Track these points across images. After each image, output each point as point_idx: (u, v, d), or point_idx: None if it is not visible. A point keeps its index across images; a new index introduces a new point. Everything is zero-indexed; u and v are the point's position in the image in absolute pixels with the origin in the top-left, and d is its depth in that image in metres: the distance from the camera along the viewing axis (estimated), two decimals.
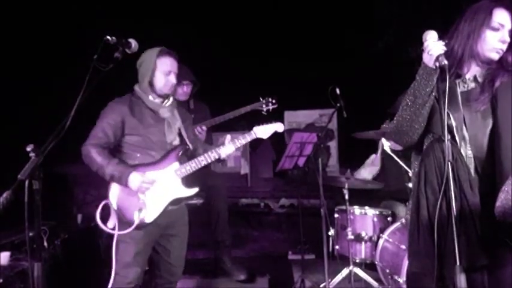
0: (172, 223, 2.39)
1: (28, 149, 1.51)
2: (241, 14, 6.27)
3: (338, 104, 3.20)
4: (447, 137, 1.44)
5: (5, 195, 1.41)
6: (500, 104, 1.55)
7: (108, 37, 1.83)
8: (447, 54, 1.50)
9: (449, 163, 1.42)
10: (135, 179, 2.18)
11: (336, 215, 3.47)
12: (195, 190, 2.37)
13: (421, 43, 1.55)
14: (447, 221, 1.44)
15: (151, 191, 2.27)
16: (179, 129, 2.42)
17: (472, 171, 1.56)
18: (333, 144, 7.63)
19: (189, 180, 2.38)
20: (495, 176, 1.50)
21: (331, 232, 3.37)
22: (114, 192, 2.26)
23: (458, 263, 1.34)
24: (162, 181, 2.31)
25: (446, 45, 1.51)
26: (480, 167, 1.57)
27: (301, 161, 3.56)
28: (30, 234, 1.50)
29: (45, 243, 3.14)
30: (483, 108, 1.58)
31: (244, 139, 2.47)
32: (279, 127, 2.57)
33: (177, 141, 2.41)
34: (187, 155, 2.43)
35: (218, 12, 6.27)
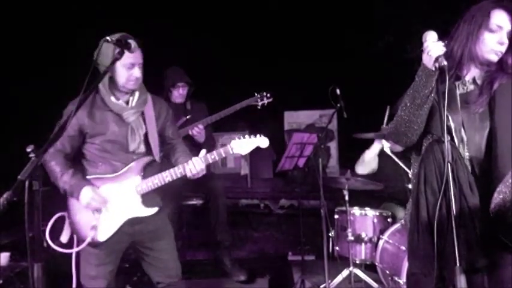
0: (146, 228, 2.18)
1: (28, 149, 1.50)
2: (241, 14, 6.26)
3: (338, 105, 3.20)
4: (447, 138, 1.44)
5: (5, 195, 1.41)
6: (498, 107, 1.55)
7: (108, 38, 1.83)
8: (447, 56, 1.50)
9: (449, 164, 1.42)
10: (85, 194, 2.00)
11: (336, 216, 3.46)
12: (155, 210, 2.14)
13: (421, 43, 1.55)
14: (447, 222, 1.44)
15: (107, 207, 2.08)
16: (145, 136, 2.16)
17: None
18: (333, 145, 7.62)
19: (151, 197, 2.15)
20: (492, 178, 1.51)
21: (331, 233, 3.37)
22: (72, 204, 2.10)
23: (458, 264, 1.34)
24: (120, 197, 2.10)
25: (445, 46, 1.51)
26: (477, 169, 1.58)
27: (301, 162, 3.56)
28: (30, 234, 1.50)
29: (45, 244, 3.14)
30: (481, 111, 1.59)
31: (219, 155, 2.13)
32: (262, 142, 2.19)
33: (141, 150, 2.16)
34: (153, 168, 2.17)
35: (218, 12, 6.27)
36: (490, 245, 1.48)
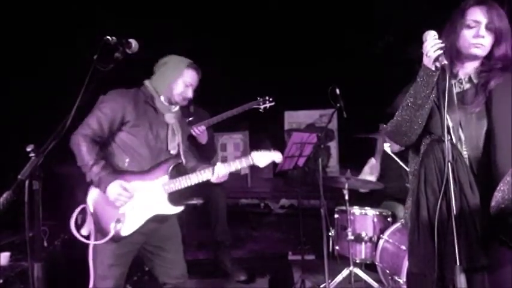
0: (158, 227, 2.24)
1: (28, 149, 1.51)
2: (241, 13, 6.26)
3: (338, 105, 3.20)
4: (447, 137, 1.44)
5: (5, 195, 1.41)
6: (495, 106, 1.57)
7: (108, 37, 1.83)
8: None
9: (449, 164, 1.42)
10: (114, 188, 2.03)
11: (336, 216, 3.47)
12: (180, 209, 2.22)
13: (421, 43, 1.55)
14: (447, 221, 1.44)
15: (132, 203, 2.12)
16: (179, 139, 2.33)
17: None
18: (333, 145, 7.62)
19: (177, 196, 2.23)
20: (491, 176, 1.51)
21: (331, 232, 3.37)
22: (93, 196, 2.11)
23: (458, 263, 1.34)
24: (146, 194, 2.15)
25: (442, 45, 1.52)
26: (476, 168, 1.58)
27: (301, 162, 3.56)
28: (30, 234, 1.50)
29: (45, 243, 3.14)
30: (478, 110, 1.60)
31: (241, 163, 2.27)
32: (277, 157, 2.34)
33: (175, 151, 2.29)
34: (179, 170, 2.27)
35: (218, 12, 6.26)
36: (491, 244, 1.48)
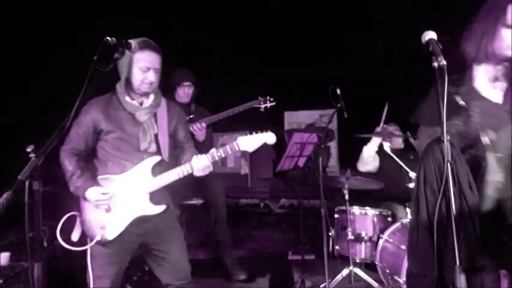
0: (155, 228, 2.20)
1: (28, 149, 1.51)
2: (241, 13, 6.26)
3: (338, 105, 3.20)
4: (446, 137, 1.44)
5: (5, 195, 1.41)
6: None
7: (108, 38, 1.83)
8: (462, 57, 1.47)
9: (448, 164, 1.41)
10: (92, 195, 2.05)
11: (336, 215, 3.47)
12: (163, 208, 2.15)
13: (421, 43, 1.54)
14: (447, 221, 1.44)
15: (115, 207, 2.11)
16: (155, 136, 2.20)
17: (502, 175, 1.52)
18: (333, 145, 7.62)
19: (159, 195, 2.17)
20: None
21: (331, 232, 3.37)
22: (83, 204, 2.13)
23: (458, 264, 1.34)
24: (127, 196, 2.12)
25: (459, 47, 1.48)
26: (505, 169, 1.52)
27: (301, 162, 3.56)
28: (30, 234, 1.50)
29: (45, 243, 3.14)
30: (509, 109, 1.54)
31: (225, 152, 2.10)
32: (269, 138, 2.11)
33: (152, 149, 2.18)
34: (161, 167, 2.18)
35: (218, 12, 6.27)
36: (490, 244, 1.48)
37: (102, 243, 2.09)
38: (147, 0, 5.87)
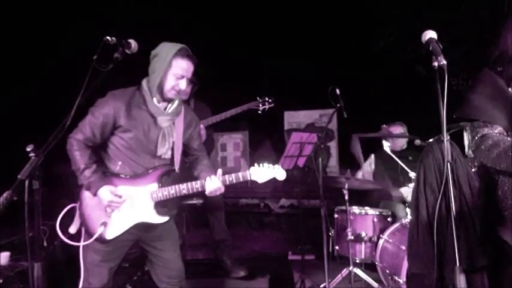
0: (153, 231, 2.20)
1: (28, 149, 1.51)
2: (242, 13, 6.27)
3: (338, 105, 3.20)
4: (446, 137, 1.44)
5: (5, 195, 1.42)
6: None
7: (108, 37, 1.83)
8: (500, 59, 1.46)
9: (448, 164, 1.41)
10: (105, 194, 2.01)
11: (336, 216, 3.47)
12: (165, 219, 2.15)
13: (421, 43, 1.54)
14: (446, 221, 1.44)
15: (119, 208, 2.09)
16: (173, 143, 2.19)
17: None
18: (333, 145, 7.61)
19: (164, 205, 2.16)
20: None
21: (331, 232, 3.37)
22: (84, 198, 2.10)
23: (458, 264, 1.34)
24: (134, 200, 2.10)
25: (496, 49, 1.47)
26: None
27: (301, 161, 3.56)
28: (30, 234, 1.50)
29: (45, 243, 3.14)
30: None
31: (236, 178, 2.14)
32: (279, 174, 2.18)
33: (167, 156, 2.18)
34: (171, 178, 2.18)
35: (218, 12, 6.27)
36: (490, 245, 1.48)
37: (100, 241, 2.07)
38: (147, 0, 5.87)
